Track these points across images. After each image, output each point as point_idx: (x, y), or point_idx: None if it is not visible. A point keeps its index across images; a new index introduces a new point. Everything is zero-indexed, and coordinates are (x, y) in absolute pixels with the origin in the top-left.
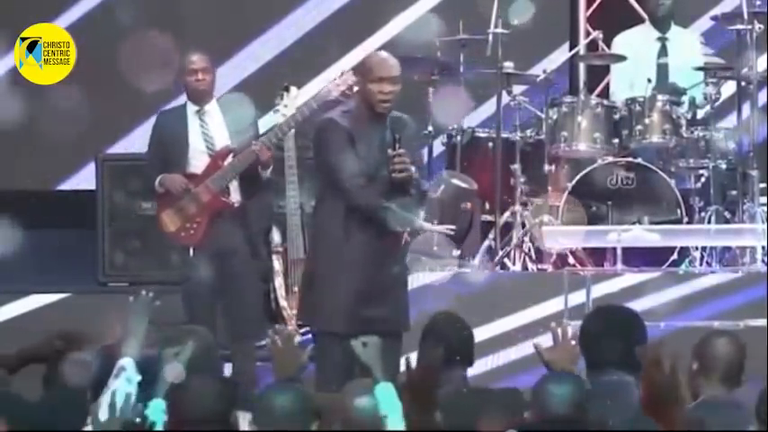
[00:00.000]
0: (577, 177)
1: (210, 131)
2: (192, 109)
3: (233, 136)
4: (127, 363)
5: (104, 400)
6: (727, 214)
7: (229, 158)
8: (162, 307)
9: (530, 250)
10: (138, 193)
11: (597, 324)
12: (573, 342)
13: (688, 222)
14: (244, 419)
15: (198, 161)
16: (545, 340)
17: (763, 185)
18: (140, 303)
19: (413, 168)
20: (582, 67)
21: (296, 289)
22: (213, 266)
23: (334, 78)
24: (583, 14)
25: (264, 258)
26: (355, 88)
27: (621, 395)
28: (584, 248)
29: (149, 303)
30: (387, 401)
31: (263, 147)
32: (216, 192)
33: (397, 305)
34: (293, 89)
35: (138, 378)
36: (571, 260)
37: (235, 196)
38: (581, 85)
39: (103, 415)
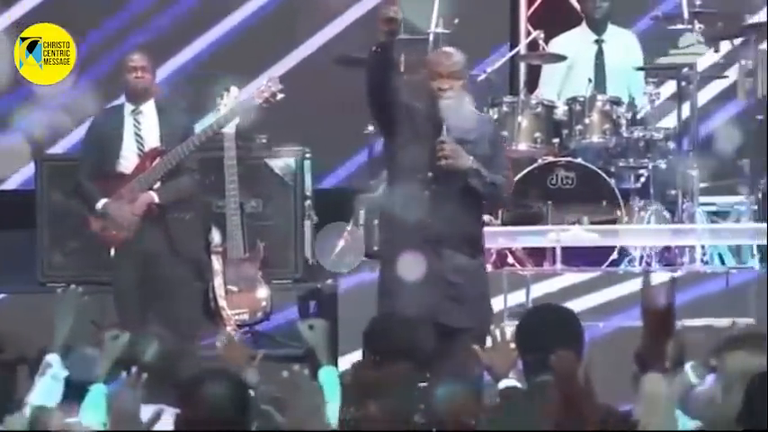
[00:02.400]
0: (517, 177)
1: (143, 132)
2: (128, 108)
3: (164, 137)
4: (53, 359)
5: (30, 398)
6: (666, 214)
7: (157, 160)
8: (98, 307)
9: None
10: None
11: (534, 324)
12: (512, 345)
13: (627, 222)
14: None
15: (128, 161)
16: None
17: (702, 185)
18: (68, 298)
19: (467, 159)
20: (522, 66)
21: (235, 288)
22: (138, 267)
23: (259, 86)
24: (524, 14)
25: (194, 258)
26: (279, 96)
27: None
28: (524, 248)
29: (77, 298)
30: (328, 386)
31: None
32: (140, 193)
33: (466, 303)
34: (234, 89)
35: (65, 374)
36: (511, 260)
37: (156, 197)
38: (521, 84)
39: (25, 414)
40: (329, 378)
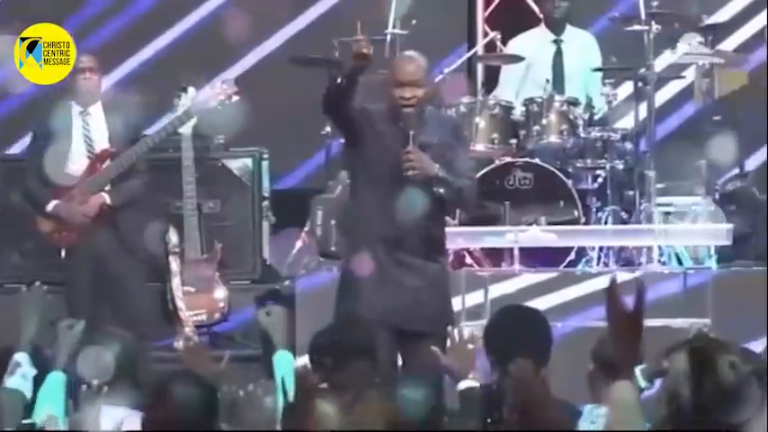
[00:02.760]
0: (475, 177)
1: (92, 134)
2: (76, 109)
3: (114, 139)
4: (21, 358)
5: None
6: (623, 214)
7: (107, 162)
8: (59, 306)
9: None
10: None
11: (501, 324)
12: (470, 346)
13: (585, 222)
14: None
15: (76, 163)
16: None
17: (660, 186)
18: (33, 296)
19: (434, 167)
20: (480, 67)
21: (192, 289)
22: (89, 268)
23: (213, 87)
24: (481, 15)
25: (148, 258)
26: (235, 97)
27: None
28: (482, 249)
29: (42, 296)
30: (283, 370)
31: None
32: (91, 195)
33: (426, 307)
34: (191, 90)
35: (34, 373)
36: (469, 260)
37: (108, 198)
38: (479, 85)
39: None
40: (283, 363)
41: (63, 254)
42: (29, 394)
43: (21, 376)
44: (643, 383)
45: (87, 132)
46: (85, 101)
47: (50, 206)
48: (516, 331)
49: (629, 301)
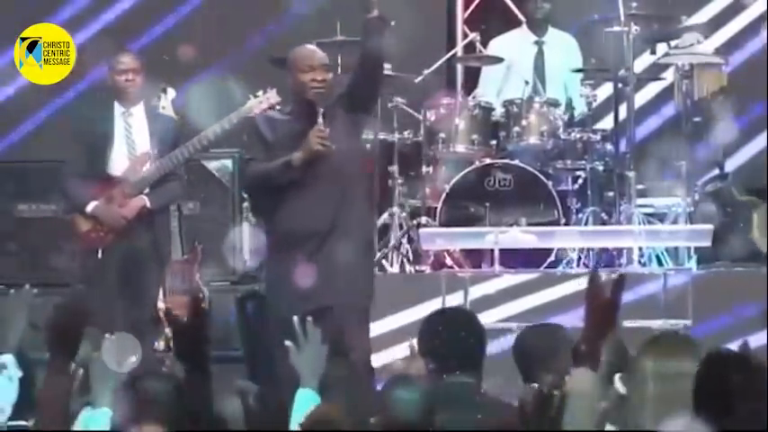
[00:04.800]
0: (455, 179)
1: (133, 135)
2: (119, 110)
3: (155, 141)
4: (7, 359)
5: None
6: (603, 215)
7: (148, 165)
8: (41, 308)
9: (407, 252)
10: (15, 195)
11: (436, 327)
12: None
13: (565, 224)
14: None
15: (118, 164)
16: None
17: (639, 186)
18: (20, 298)
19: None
20: (459, 68)
21: (173, 290)
22: (121, 270)
23: (256, 96)
24: (460, 17)
25: (168, 261)
26: (278, 107)
27: (463, 396)
28: (462, 250)
29: (30, 298)
30: (302, 409)
31: None
32: (131, 197)
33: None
34: (170, 90)
35: (20, 374)
36: (449, 261)
37: (148, 201)
38: (458, 86)
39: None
40: (304, 400)
41: (99, 255)
42: (14, 396)
43: (6, 378)
44: (623, 390)
45: (129, 134)
46: (128, 102)
47: (90, 207)
48: (448, 335)
49: (608, 292)
